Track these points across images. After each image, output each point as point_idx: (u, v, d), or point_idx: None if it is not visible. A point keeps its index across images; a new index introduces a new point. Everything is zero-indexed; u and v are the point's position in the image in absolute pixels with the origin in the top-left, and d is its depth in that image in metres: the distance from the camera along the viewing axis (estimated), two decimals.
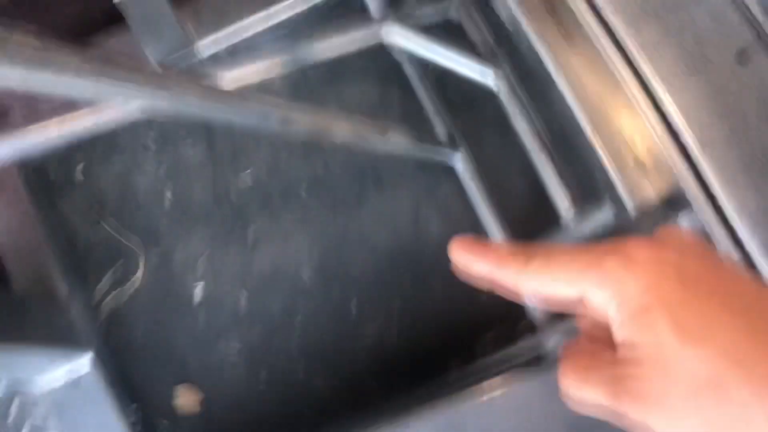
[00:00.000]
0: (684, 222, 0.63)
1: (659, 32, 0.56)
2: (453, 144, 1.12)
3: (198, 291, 1.13)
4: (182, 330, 1.12)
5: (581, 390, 0.38)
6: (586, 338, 0.43)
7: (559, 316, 1.06)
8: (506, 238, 1.12)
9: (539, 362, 1.03)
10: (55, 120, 1.02)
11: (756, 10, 0.60)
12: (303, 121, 0.70)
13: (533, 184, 1.04)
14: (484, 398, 0.72)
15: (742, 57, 0.56)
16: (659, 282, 0.35)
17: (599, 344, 0.40)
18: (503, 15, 0.66)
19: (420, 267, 1.16)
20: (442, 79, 1.10)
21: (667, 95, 0.54)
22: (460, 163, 1.13)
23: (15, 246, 1.02)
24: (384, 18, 0.90)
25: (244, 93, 0.64)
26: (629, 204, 0.62)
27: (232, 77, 0.89)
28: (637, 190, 0.63)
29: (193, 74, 0.81)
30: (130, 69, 0.52)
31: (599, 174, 0.63)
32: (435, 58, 0.93)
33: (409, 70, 1.14)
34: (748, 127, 0.55)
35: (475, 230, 1.16)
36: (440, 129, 1.13)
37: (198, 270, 1.14)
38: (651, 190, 0.62)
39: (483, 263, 0.44)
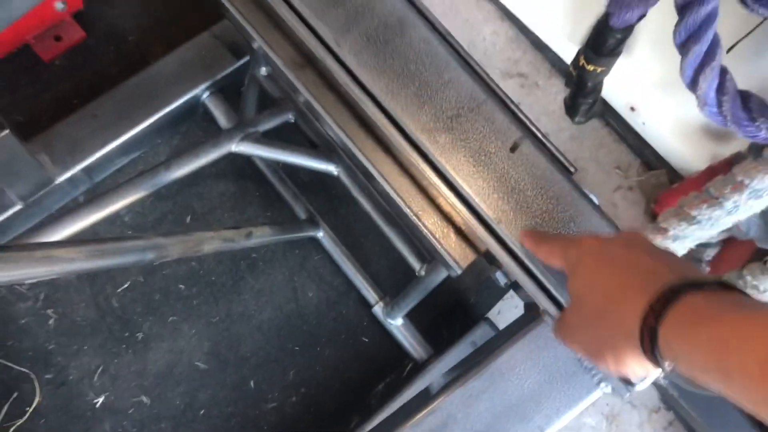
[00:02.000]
0: (499, 277, 0.79)
1: (451, 139, 0.71)
2: (313, 220, 1.24)
3: (100, 404, 1.18)
4: None
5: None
6: None
7: (437, 354, 1.20)
8: (373, 290, 1.25)
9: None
10: None
11: (518, 112, 0.78)
12: (174, 248, 0.79)
13: (387, 245, 1.18)
14: None
15: (514, 147, 0.73)
16: (588, 259, 0.57)
17: None
18: (331, 133, 0.80)
19: (306, 334, 1.27)
20: (291, 166, 1.23)
21: (464, 185, 0.70)
22: (322, 234, 1.25)
23: None
24: (231, 130, 1.01)
25: (116, 240, 0.72)
26: (454, 265, 0.78)
27: (97, 205, 0.95)
28: (459, 254, 0.78)
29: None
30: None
31: (427, 244, 0.78)
32: (282, 158, 1.05)
33: (262, 165, 1.25)
34: (527, 199, 0.71)
35: (347, 288, 1.29)
36: (299, 209, 1.25)
37: (96, 384, 1.19)
38: (470, 253, 0.78)
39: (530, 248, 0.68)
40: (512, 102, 0.79)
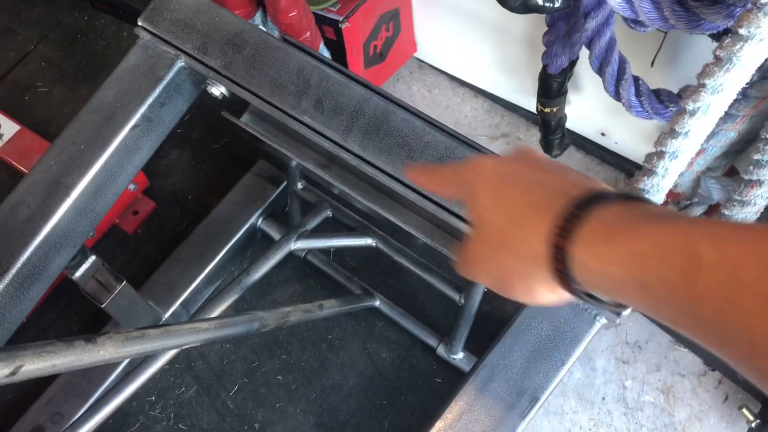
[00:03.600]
0: None
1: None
2: (368, 293, 1.51)
3: None
4: None
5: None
6: None
7: None
8: (432, 336, 1.49)
9: None
10: None
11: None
12: (270, 319, 1.06)
13: (432, 292, 1.44)
14: None
15: None
16: (486, 180, 0.54)
17: None
18: (360, 206, 1.09)
19: (389, 389, 1.50)
20: (339, 253, 1.52)
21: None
22: (379, 303, 1.52)
23: None
24: (287, 235, 1.31)
25: (232, 315, 1.00)
26: None
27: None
28: None
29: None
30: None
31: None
32: (330, 244, 1.34)
33: (317, 262, 1.55)
34: None
35: (412, 342, 1.53)
36: (355, 288, 1.53)
37: None
38: None
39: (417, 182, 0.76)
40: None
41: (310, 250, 1.53)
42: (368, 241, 1.34)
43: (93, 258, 1.13)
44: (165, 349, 0.85)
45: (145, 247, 1.67)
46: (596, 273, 0.44)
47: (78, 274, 1.13)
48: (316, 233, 1.36)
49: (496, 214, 0.52)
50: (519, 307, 0.96)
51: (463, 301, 1.29)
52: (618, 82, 1.20)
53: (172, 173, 1.76)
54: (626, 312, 0.54)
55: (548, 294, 0.50)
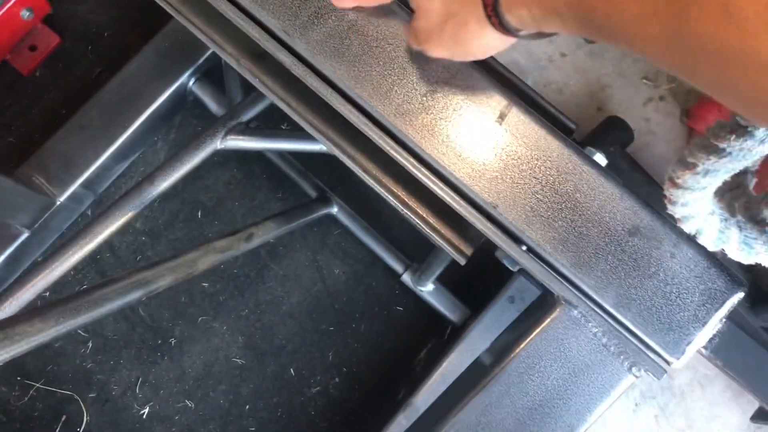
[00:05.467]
0: (507, 262, 0.72)
1: (429, 120, 0.63)
2: (324, 197, 1.18)
3: (146, 415, 1.18)
4: None
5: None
6: None
7: (475, 315, 1.15)
8: (399, 259, 1.19)
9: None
10: None
11: (503, 71, 0.68)
12: (163, 279, 0.75)
13: (400, 221, 1.11)
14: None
15: (501, 117, 0.63)
16: None
17: None
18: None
19: (339, 312, 1.23)
20: None
21: (450, 169, 0.61)
22: (337, 209, 1.19)
23: None
24: (213, 127, 0.94)
25: (92, 290, 0.68)
26: (457, 256, 0.71)
27: (103, 222, 0.91)
28: (460, 244, 0.71)
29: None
30: None
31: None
32: (270, 147, 0.98)
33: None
34: (523, 175, 0.62)
35: (373, 260, 1.23)
36: (308, 188, 1.19)
37: (139, 396, 1.18)
38: (470, 244, 0.71)
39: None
40: (496, 61, 0.69)
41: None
42: (324, 147, 0.98)
43: None
44: None
45: (45, 96, 1.29)
46: (523, 17, 0.52)
47: None
48: (254, 128, 0.99)
49: None
50: (526, 328, 0.64)
51: None
52: None
53: None
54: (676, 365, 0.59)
55: (497, 42, 0.57)
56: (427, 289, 1.18)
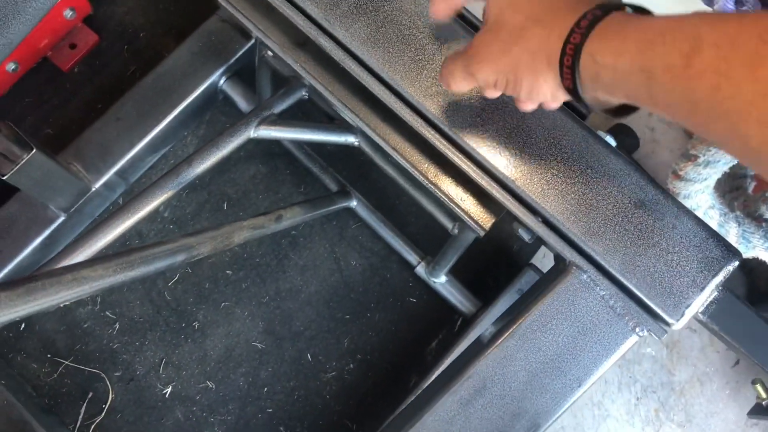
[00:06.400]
0: (523, 233, 0.78)
1: (454, 101, 0.70)
2: (345, 191, 1.25)
3: (168, 394, 1.23)
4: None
5: (448, 71, 0.60)
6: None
7: (485, 306, 1.21)
8: (413, 252, 1.26)
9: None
10: None
11: None
12: (204, 246, 0.81)
13: (420, 206, 1.17)
14: None
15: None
16: None
17: None
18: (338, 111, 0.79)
19: (355, 302, 1.29)
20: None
21: (474, 146, 0.68)
22: (356, 203, 1.26)
23: None
24: (247, 117, 1.01)
25: (143, 248, 0.74)
26: (476, 228, 0.77)
27: (134, 208, 0.98)
28: (480, 217, 0.77)
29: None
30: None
31: (449, 208, 0.78)
32: (300, 137, 1.05)
33: (287, 143, 1.26)
34: (540, 153, 0.69)
35: (388, 253, 1.30)
36: (330, 182, 1.26)
37: (162, 376, 1.24)
38: (491, 215, 0.77)
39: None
40: None
41: None
42: (349, 139, 1.05)
43: None
44: (40, 309, 0.60)
45: (82, 90, 1.37)
46: (604, 66, 0.48)
47: None
48: (285, 118, 1.06)
49: (517, 12, 0.55)
50: (541, 290, 0.71)
51: (456, 231, 1.03)
52: None
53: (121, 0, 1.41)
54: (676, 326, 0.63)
55: (548, 93, 0.55)
56: (440, 280, 1.24)
